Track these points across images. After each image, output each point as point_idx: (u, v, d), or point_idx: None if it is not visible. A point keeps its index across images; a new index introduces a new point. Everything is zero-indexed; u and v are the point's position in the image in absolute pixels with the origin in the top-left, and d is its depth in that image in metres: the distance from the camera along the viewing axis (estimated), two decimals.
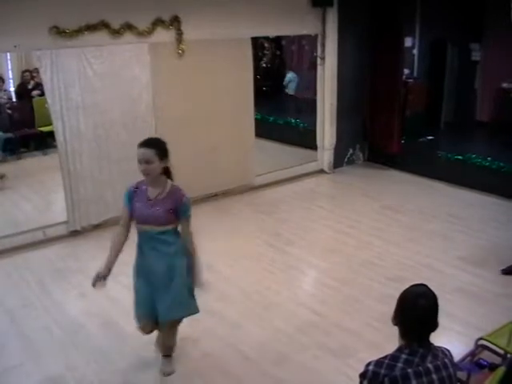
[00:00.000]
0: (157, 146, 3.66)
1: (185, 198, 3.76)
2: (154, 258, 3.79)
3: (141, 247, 3.87)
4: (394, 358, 2.33)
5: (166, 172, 3.79)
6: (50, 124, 7.04)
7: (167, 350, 4.22)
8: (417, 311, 2.30)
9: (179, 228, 3.85)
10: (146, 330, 4.07)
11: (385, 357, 2.35)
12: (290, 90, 12.66)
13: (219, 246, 6.41)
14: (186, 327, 4.74)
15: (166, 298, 3.81)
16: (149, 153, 3.60)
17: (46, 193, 8.26)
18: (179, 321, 4.07)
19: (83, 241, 6.66)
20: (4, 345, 4.59)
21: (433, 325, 2.34)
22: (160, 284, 3.80)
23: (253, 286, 5.49)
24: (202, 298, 5.21)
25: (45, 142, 10.58)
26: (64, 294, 5.43)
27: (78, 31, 6.18)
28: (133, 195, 3.80)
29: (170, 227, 3.77)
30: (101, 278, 3.72)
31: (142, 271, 3.90)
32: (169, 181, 3.79)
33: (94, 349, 4.48)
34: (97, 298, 5.03)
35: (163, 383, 4.09)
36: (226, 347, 4.49)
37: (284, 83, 12.74)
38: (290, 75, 12.72)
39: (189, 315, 4.02)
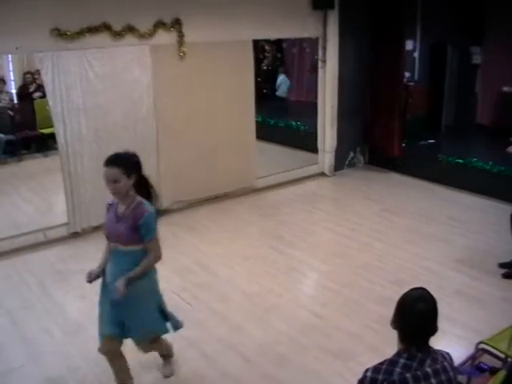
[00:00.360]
0: (123, 164, 3.39)
1: (147, 213, 3.41)
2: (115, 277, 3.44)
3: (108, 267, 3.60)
4: (392, 362, 2.32)
5: (141, 184, 3.55)
6: (51, 126, 7.07)
7: (163, 355, 4.18)
8: (416, 315, 2.30)
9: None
10: (107, 348, 3.72)
11: (383, 362, 2.35)
12: (282, 92, 12.67)
13: (220, 248, 6.43)
14: (186, 329, 4.75)
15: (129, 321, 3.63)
16: (114, 172, 3.37)
17: (47, 195, 8.28)
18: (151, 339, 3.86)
19: (83, 242, 6.66)
20: (5, 346, 4.59)
21: (432, 329, 2.33)
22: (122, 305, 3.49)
23: (254, 288, 5.50)
24: (202, 300, 5.26)
25: (46, 143, 10.61)
26: (64, 295, 5.43)
27: (80, 33, 6.19)
28: (108, 209, 3.62)
29: (135, 248, 3.46)
30: (92, 276, 3.53)
31: (105, 291, 3.64)
32: (137, 196, 3.50)
33: (95, 350, 4.47)
34: (97, 300, 5.02)
35: (164, 383, 4.11)
36: (226, 349, 4.49)
37: (276, 86, 12.76)
38: (281, 77, 12.73)
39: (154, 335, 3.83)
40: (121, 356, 3.80)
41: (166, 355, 4.17)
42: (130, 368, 3.89)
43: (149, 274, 3.58)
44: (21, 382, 4.16)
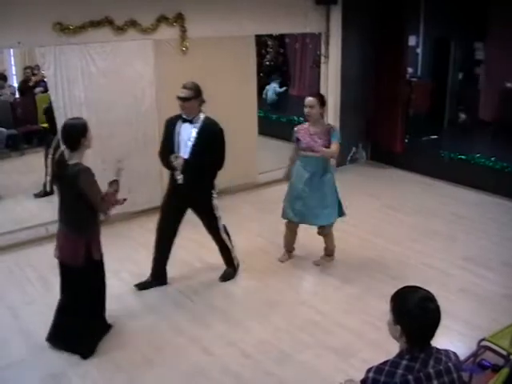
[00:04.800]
0: (318, 96, 5.43)
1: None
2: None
3: None
4: (394, 364, 2.30)
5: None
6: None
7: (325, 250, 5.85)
8: (428, 316, 2.26)
9: None
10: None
11: (385, 363, 2.32)
12: (270, 99, 12.55)
13: None
14: (188, 325, 4.75)
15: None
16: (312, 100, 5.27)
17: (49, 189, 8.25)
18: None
19: None
20: (6, 341, 4.59)
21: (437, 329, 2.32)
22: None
23: (256, 284, 5.50)
24: (204, 296, 5.26)
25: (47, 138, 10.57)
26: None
27: (82, 27, 6.17)
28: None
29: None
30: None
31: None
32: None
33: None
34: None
35: (166, 379, 4.10)
36: (227, 345, 4.49)
37: (263, 94, 12.60)
38: (271, 86, 12.61)
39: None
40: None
41: (330, 253, 5.85)
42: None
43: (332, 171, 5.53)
44: (22, 376, 4.16)
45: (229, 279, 5.55)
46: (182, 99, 4.84)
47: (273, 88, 12.56)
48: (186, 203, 5.20)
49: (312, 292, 5.44)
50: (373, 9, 8.81)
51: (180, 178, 4.95)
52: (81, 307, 4.32)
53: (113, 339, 4.58)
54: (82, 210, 4.15)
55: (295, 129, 5.59)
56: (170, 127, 5.00)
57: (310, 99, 5.28)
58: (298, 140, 5.52)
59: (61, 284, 4.41)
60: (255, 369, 4.20)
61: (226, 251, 5.56)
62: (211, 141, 4.95)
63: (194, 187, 5.01)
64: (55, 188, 4.29)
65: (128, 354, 4.39)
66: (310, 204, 5.45)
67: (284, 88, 12.68)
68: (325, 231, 5.69)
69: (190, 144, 4.89)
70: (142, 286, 5.37)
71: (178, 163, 4.86)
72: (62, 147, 4.15)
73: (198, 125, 4.92)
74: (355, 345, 4.46)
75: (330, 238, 5.77)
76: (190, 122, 4.91)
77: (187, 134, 4.90)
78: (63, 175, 4.10)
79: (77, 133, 4.04)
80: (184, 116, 4.92)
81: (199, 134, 4.90)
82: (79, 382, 4.08)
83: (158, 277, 5.39)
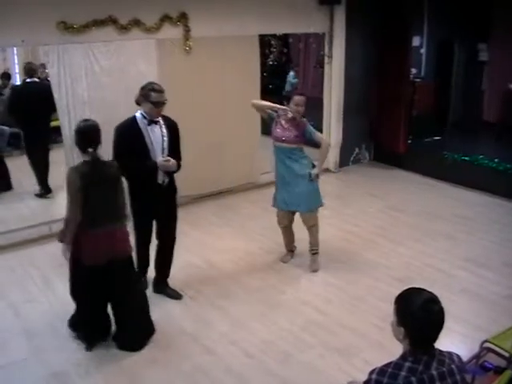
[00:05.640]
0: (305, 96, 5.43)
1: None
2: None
3: None
4: (397, 366, 2.29)
5: None
6: (56, 119, 7.05)
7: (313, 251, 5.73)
8: (432, 318, 2.26)
9: None
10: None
11: (388, 364, 2.32)
12: (289, 85, 12.60)
13: (224, 243, 6.43)
14: (189, 324, 4.75)
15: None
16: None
17: (52, 187, 8.25)
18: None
19: None
20: (8, 340, 4.59)
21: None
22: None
23: (257, 284, 5.49)
24: (205, 295, 5.26)
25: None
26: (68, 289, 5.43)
27: (86, 27, 6.16)
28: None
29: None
30: None
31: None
32: None
33: (98, 345, 4.48)
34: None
35: (168, 379, 4.10)
36: (229, 345, 4.49)
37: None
38: (290, 74, 12.67)
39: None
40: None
41: (315, 250, 5.76)
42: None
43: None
44: (23, 375, 4.16)
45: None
46: (164, 103, 4.73)
47: (292, 75, 12.55)
48: (163, 205, 4.97)
49: (315, 292, 5.43)
50: (377, 9, 8.80)
51: (165, 179, 4.86)
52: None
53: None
54: (124, 200, 4.39)
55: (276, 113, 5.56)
56: (134, 133, 4.69)
57: (302, 98, 5.36)
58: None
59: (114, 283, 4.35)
60: (258, 369, 4.20)
61: (169, 261, 5.27)
62: (176, 136, 4.94)
63: (170, 187, 4.97)
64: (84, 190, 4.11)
65: (130, 352, 4.39)
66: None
67: (296, 80, 12.67)
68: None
69: (165, 144, 4.79)
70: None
71: (172, 164, 4.73)
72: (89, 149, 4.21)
73: (162, 123, 4.80)
74: (358, 345, 4.45)
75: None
76: (155, 123, 4.76)
77: (159, 135, 4.76)
78: (105, 173, 4.24)
79: (98, 132, 4.31)
80: (153, 119, 4.72)
81: (169, 131, 4.82)
82: (81, 382, 4.09)
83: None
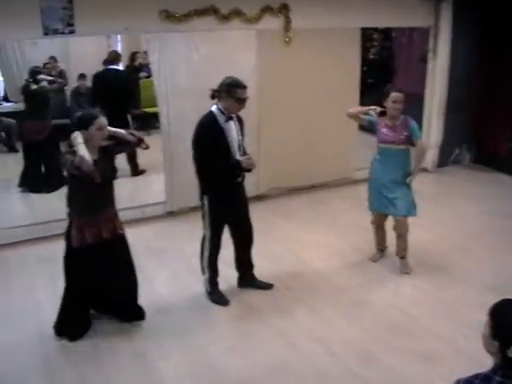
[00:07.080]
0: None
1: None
2: None
3: None
4: (486, 378, 2.13)
5: None
6: (155, 105, 7.21)
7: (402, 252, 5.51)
8: None
9: None
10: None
11: (476, 376, 2.17)
12: None
13: (314, 238, 6.37)
14: (275, 318, 4.74)
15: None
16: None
17: (147, 172, 8.49)
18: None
19: (179, 221, 6.80)
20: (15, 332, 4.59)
21: None
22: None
23: (346, 282, 5.41)
24: (293, 289, 5.21)
25: (149, 122, 10.85)
26: (157, 272, 5.58)
27: (188, 16, 6.26)
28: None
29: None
30: None
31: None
32: None
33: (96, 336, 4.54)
34: (185, 277, 5.10)
35: (246, 368, 4.09)
36: (312, 341, 4.45)
37: None
38: None
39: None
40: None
41: (403, 254, 5.53)
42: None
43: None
44: (23, 360, 4.30)
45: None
46: (245, 100, 4.60)
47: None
48: (238, 202, 4.91)
49: (402, 295, 5.26)
50: (486, 4, 8.37)
51: (243, 177, 4.83)
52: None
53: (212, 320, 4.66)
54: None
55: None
56: (217, 129, 4.57)
57: (400, 95, 5.12)
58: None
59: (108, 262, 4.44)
60: (340, 367, 4.12)
61: (251, 252, 5.20)
62: (244, 129, 4.84)
63: (242, 182, 4.92)
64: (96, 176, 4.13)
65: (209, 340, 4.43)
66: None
67: None
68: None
69: (241, 140, 4.73)
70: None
71: (254, 161, 4.69)
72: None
73: (234, 118, 4.70)
74: (444, 353, 4.26)
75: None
76: (231, 118, 4.65)
77: (235, 131, 4.67)
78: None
79: None
80: (231, 114, 4.64)
81: (240, 126, 4.75)
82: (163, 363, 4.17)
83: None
